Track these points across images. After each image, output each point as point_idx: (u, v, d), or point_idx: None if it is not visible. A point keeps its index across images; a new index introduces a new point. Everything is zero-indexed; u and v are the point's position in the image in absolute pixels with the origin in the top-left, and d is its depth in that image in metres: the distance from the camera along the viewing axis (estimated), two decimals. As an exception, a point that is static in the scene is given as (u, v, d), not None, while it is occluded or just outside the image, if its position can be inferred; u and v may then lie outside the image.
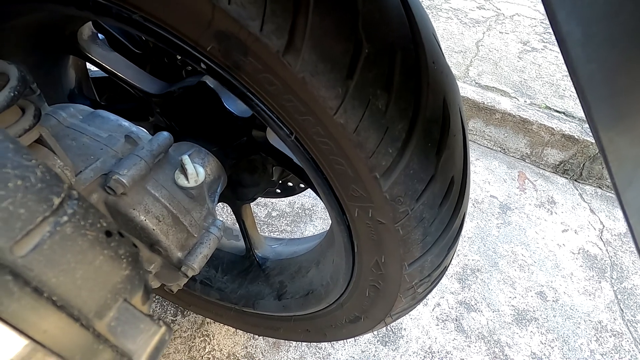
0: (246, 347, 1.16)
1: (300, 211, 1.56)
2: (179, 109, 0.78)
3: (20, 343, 0.27)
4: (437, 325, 1.28)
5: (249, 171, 0.85)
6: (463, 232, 1.38)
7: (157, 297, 1.22)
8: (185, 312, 1.22)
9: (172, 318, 1.21)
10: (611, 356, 1.28)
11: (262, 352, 1.15)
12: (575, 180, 1.91)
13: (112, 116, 0.66)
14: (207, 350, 1.14)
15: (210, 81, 0.72)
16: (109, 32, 0.82)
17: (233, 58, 0.45)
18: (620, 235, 1.67)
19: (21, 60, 0.71)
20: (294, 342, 1.18)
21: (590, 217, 1.73)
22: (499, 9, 2.96)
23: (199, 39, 0.45)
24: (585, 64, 0.24)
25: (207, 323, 1.20)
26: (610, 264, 1.55)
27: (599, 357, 1.27)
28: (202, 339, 1.17)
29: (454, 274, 1.43)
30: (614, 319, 1.37)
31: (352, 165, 0.50)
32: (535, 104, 2.06)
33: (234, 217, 1.09)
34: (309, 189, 0.93)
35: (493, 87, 2.14)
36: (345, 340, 1.20)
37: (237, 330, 1.19)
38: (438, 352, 1.22)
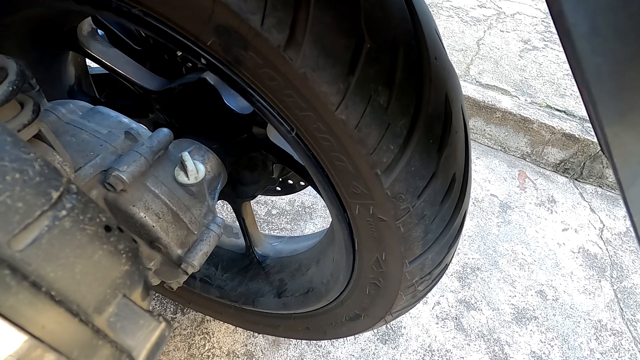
0: (246, 345, 1.16)
1: (300, 209, 1.56)
2: (179, 106, 0.77)
3: (18, 338, 0.27)
4: (437, 323, 1.28)
5: (249, 168, 0.85)
6: (463, 231, 1.38)
7: (156, 294, 1.22)
8: (185, 310, 1.22)
9: (172, 315, 1.20)
10: (611, 355, 1.28)
11: (261, 350, 1.15)
12: (576, 179, 1.90)
13: (112, 112, 0.65)
14: (206, 347, 1.14)
15: (210, 78, 0.72)
16: (109, 28, 0.82)
17: (233, 53, 0.44)
18: (621, 234, 1.66)
19: (20, 56, 0.71)
20: (294, 340, 1.18)
21: (590, 216, 1.73)
22: (500, 8, 2.96)
23: (199, 34, 0.44)
24: (591, 57, 0.23)
25: (207, 321, 1.20)
26: (610, 263, 1.55)
27: (598, 356, 1.27)
28: (201, 336, 1.16)
29: (454, 272, 1.43)
30: (614, 318, 1.37)
31: (353, 162, 0.49)
32: (536, 103, 2.05)
33: (234, 214, 1.09)
34: (309, 187, 0.92)
35: (494, 85, 2.14)
36: (345, 338, 1.20)
37: (237, 328, 1.19)
38: (438, 351, 1.22)
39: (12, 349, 0.27)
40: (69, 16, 0.71)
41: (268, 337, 1.18)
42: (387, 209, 0.53)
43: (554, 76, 2.29)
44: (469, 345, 1.24)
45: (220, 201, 1.19)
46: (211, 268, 1.01)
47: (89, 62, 0.85)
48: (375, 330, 1.23)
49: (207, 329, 1.18)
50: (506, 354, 1.24)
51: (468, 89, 2.02)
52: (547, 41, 2.63)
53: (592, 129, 1.88)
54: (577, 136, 1.84)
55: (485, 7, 2.94)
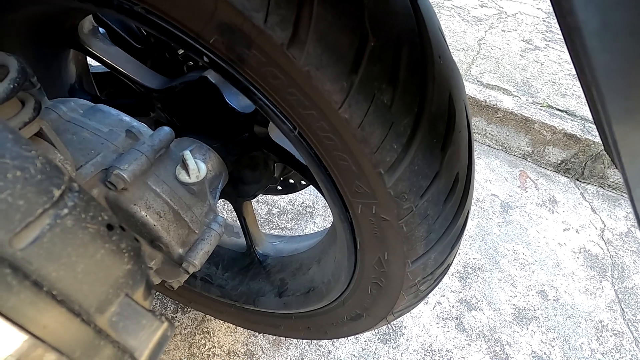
0: (246, 345, 1.16)
1: (301, 209, 1.56)
2: (180, 105, 0.77)
3: (19, 338, 0.27)
4: (438, 323, 1.28)
5: (250, 168, 0.85)
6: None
7: (157, 293, 1.22)
8: (186, 309, 1.22)
9: (173, 315, 1.20)
10: (612, 355, 1.27)
11: (262, 350, 1.15)
12: (577, 180, 1.90)
13: (113, 111, 0.65)
14: (207, 347, 1.14)
15: (211, 76, 0.71)
16: (110, 26, 0.81)
17: (236, 51, 0.44)
18: (622, 234, 1.66)
19: (21, 54, 0.71)
20: (295, 340, 1.18)
21: (591, 217, 1.72)
22: (502, 7, 2.95)
23: (201, 32, 0.44)
24: (601, 55, 0.23)
25: (208, 320, 1.20)
26: (611, 263, 1.55)
27: (599, 357, 1.27)
28: (202, 336, 1.16)
29: (455, 272, 1.43)
30: (615, 319, 1.37)
31: (356, 161, 0.49)
32: (537, 103, 2.05)
33: (234, 213, 1.08)
34: (310, 186, 0.92)
35: (495, 85, 2.14)
36: (346, 338, 1.20)
37: (238, 327, 1.19)
38: (438, 351, 1.21)
39: (12, 348, 0.26)
40: (70, 14, 0.70)
41: (269, 336, 1.18)
42: (390, 209, 0.52)
43: (555, 76, 2.29)
44: (470, 345, 1.24)
45: (221, 200, 1.19)
46: (212, 267, 1.01)
47: (90, 60, 0.85)
48: (376, 330, 1.23)
49: (207, 328, 1.18)
50: (507, 354, 1.23)
51: (469, 89, 2.02)
52: (549, 41, 2.63)
53: (593, 129, 1.88)
54: (578, 136, 1.84)
55: (486, 6, 2.93)
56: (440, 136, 0.50)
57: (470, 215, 1.66)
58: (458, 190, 0.55)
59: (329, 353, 1.16)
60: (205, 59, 0.47)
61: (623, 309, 1.40)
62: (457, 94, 0.51)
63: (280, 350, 1.15)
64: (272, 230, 1.48)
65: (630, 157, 0.28)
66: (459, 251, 1.50)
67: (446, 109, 0.49)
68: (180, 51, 0.78)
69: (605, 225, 1.69)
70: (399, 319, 1.27)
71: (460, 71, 2.27)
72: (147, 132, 0.64)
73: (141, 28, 0.81)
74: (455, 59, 2.34)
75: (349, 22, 0.41)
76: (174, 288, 0.70)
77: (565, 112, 2.02)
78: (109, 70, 0.77)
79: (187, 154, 0.65)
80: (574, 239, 1.61)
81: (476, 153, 1.97)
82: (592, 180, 1.89)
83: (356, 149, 0.48)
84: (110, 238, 0.31)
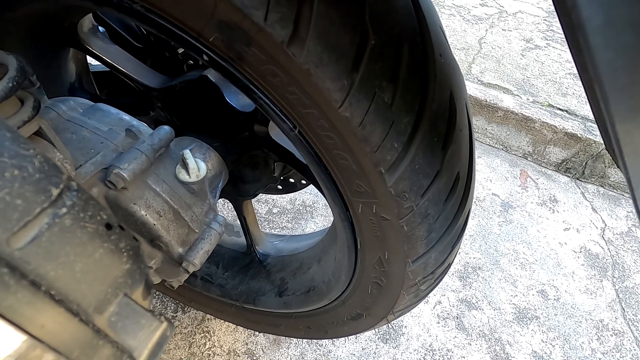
0: (247, 344, 1.15)
1: (301, 208, 1.56)
2: (180, 103, 0.77)
3: (17, 338, 0.26)
4: (438, 323, 1.28)
5: (250, 167, 0.85)
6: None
7: (157, 293, 1.21)
8: (186, 309, 1.21)
9: (173, 314, 1.20)
10: (612, 355, 1.27)
11: (262, 349, 1.15)
12: (578, 179, 1.90)
13: (113, 110, 0.65)
14: (207, 346, 1.14)
15: (211, 75, 0.71)
16: (110, 25, 0.81)
17: (236, 49, 0.44)
18: (622, 234, 1.66)
19: (21, 52, 0.70)
20: (295, 339, 1.18)
21: (592, 216, 1.72)
22: (502, 6, 2.95)
23: (201, 30, 0.44)
24: (604, 52, 0.23)
25: (208, 319, 1.20)
26: (612, 262, 1.54)
27: (600, 356, 1.26)
28: (202, 335, 1.16)
29: (455, 271, 1.43)
30: (616, 318, 1.37)
31: (356, 160, 0.49)
32: (537, 102, 2.05)
33: (234, 213, 1.08)
34: (310, 186, 0.92)
35: (495, 84, 2.13)
36: (346, 338, 1.20)
37: (238, 326, 1.18)
38: (439, 350, 1.21)
39: (11, 348, 0.26)
40: (69, 12, 0.70)
41: (269, 336, 1.18)
42: (391, 208, 0.52)
43: (556, 75, 2.29)
44: (470, 344, 1.24)
45: (221, 199, 1.19)
46: (212, 266, 1.01)
47: (89, 59, 0.85)
48: (376, 330, 1.23)
49: (207, 327, 1.18)
50: (507, 353, 1.23)
51: (470, 88, 2.02)
52: (549, 40, 2.62)
53: (594, 129, 1.88)
54: (579, 135, 1.83)
55: (487, 5, 2.93)
56: (441, 135, 0.49)
57: (471, 215, 1.66)
58: (459, 189, 0.55)
59: (329, 352, 1.16)
60: (205, 57, 0.47)
61: (624, 309, 1.40)
62: (458, 93, 0.51)
63: (280, 350, 1.15)
64: (273, 230, 1.47)
65: (633, 156, 0.28)
66: (460, 250, 1.50)
67: (447, 108, 0.49)
68: (180, 50, 0.78)
69: (605, 225, 1.69)
70: (399, 319, 1.26)
71: (461, 70, 2.27)
72: (147, 131, 0.63)
73: (141, 27, 0.81)
74: (456, 58, 2.33)
75: (349, 19, 0.41)
76: (174, 287, 0.70)
77: (566, 111, 2.01)
78: (108, 69, 0.77)
79: (187, 153, 0.65)
80: (574, 239, 1.61)
81: (477, 152, 1.97)
82: (592, 179, 1.88)
83: (357, 148, 0.47)
84: (109, 237, 0.31)
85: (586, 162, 1.86)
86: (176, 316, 1.20)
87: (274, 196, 1.57)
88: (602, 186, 1.87)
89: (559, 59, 2.45)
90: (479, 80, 2.14)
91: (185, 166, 0.65)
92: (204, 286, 1.00)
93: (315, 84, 0.43)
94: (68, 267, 0.27)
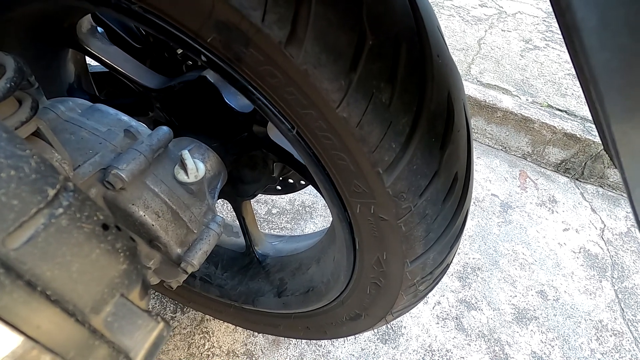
0: (246, 344, 1.15)
1: (300, 208, 1.56)
2: (179, 104, 0.77)
3: (14, 339, 0.26)
4: (437, 323, 1.28)
5: (249, 167, 0.85)
6: (464, 230, 1.37)
7: (156, 293, 1.21)
8: (185, 309, 1.21)
9: (172, 315, 1.20)
10: (611, 355, 1.27)
11: (261, 350, 1.14)
12: (577, 179, 1.90)
13: (111, 110, 0.65)
14: (206, 347, 1.14)
15: (210, 76, 0.71)
16: (108, 25, 0.81)
17: (234, 50, 0.44)
18: (622, 234, 1.66)
19: (19, 53, 0.70)
20: (294, 340, 1.18)
21: (591, 216, 1.72)
22: (501, 7, 2.95)
23: (199, 30, 0.44)
24: (600, 53, 0.23)
25: (207, 320, 1.20)
26: (611, 263, 1.54)
27: (599, 357, 1.26)
28: (201, 335, 1.16)
29: (455, 272, 1.43)
30: (615, 319, 1.37)
31: (354, 160, 0.49)
32: (537, 103, 2.05)
33: (233, 213, 1.08)
34: (309, 186, 0.92)
35: (495, 85, 2.13)
36: (345, 338, 1.20)
37: (237, 327, 1.18)
38: (438, 351, 1.21)
39: (7, 349, 0.26)
40: (68, 13, 0.70)
41: (268, 336, 1.18)
42: (389, 208, 0.52)
43: (555, 76, 2.29)
44: (470, 345, 1.24)
45: (220, 200, 1.19)
46: (211, 267, 1.01)
47: (88, 60, 0.85)
48: (375, 330, 1.23)
49: (206, 328, 1.18)
50: (507, 354, 1.23)
51: (469, 89, 2.02)
52: (549, 41, 2.62)
53: (593, 129, 1.88)
54: (578, 136, 1.83)
55: (486, 6, 2.93)
56: (439, 135, 0.49)
57: (470, 215, 1.66)
58: (457, 189, 0.55)
59: (329, 353, 1.16)
60: (203, 57, 0.47)
61: (623, 309, 1.40)
62: (456, 93, 0.51)
63: (279, 350, 1.15)
64: (272, 230, 1.47)
65: (630, 157, 0.28)
66: (459, 251, 1.50)
67: (445, 108, 0.49)
68: (179, 51, 0.78)
69: (605, 225, 1.69)
70: (398, 319, 1.26)
71: (460, 71, 2.27)
72: (146, 132, 0.63)
73: (140, 27, 0.81)
74: (455, 59, 2.34)
75: (347, 20, 0.41)
76: (172, 288, 0.70)
77: (565, 111, 2.01)
78: (107, 70, 0.77)
79: (186, 154, 0.65)
80: (573, 239, 1.61)
81: (476, 153, 1.97)
82: (592, 180, 1.88)
83: (354, 148, 0.47)
84: (106, 238, 0.31)
85: (585, 163, 1.87)
86: (175, 317, 1.19)
87: (273, 197, 1.57)
88: (601, 187, 1.87)
89: (558, 59, 2.45)
90: (478, 81, 2.14)
91: (183, 167, 0.65)
92: (202, 287, 1.00)
93: (313, 85, 0.43)
94: (64, 268, 0.27)
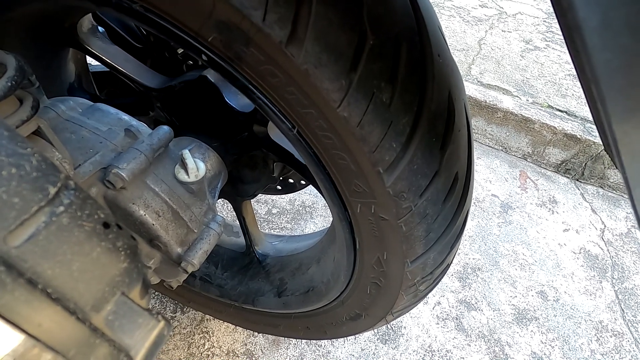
0: (246, 344, 1.15)
1: (300, 208, 1.56)
2: (179, 104, 0.77)
3: (15, 338, 0.26)
4: (437, 323, 1.28)
5: (249, 167, 0.85)
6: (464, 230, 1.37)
7: (156, 293, 1.21)
8: (185, 309, 1.21)
9: (172, 314, 1.20)
10: (612, 356, 1.27)
11: (261, 350, 1.14)
12: (577, 180, 1.90)
13: (112, 110, 0.65)
14: (206, 347, 1.14)
15: (211, 75, 0.71)
16: (109, 25, 0.81)
17: (235, 49, 0.44)
18: (622, 235, 1.66)
19: (20, 52, 0.70)
20: (294, 340, 1.18)
21: (591, 217, 1.72)
22: (502, 7, 2.95)
23: (200, 30, 0.44)
24: (601, 52, 0.23)
25: (207, 320, 1.20)
26: (611, 264, 1.54)
27: (599, 357, 1.26)
28: (201, 335, 1.16)
29: (455, 272, 1.42)
30: (615, 319, 1.37)
31: (355, 160, 0.49)
32: (537, 103, 2.05)
33: (234, 213, 1.08)
34: (309, 186, 0.92)
35: (495, 85, 2.13)
36: (345, 338, 1.19)
37: (237, 327, 1.18)
38: (438, 351, 1.21)
39: (8, 348, 0.26)
40: (69, 12, 0.70)
41: (268, 336, 1.18)
42: (389, 208, 0.52)
43: (555, 76, 2.29)
44: (470, 345, 1.24)
45: (220, 200, 1.19)
46: (211, 267, 1.01)
47: (89, 59, 0.85)
48: (375, 330, 1.23)
49: (206, 327, 1.18)
50: (507, 354, 1.23)
51: (469, 89, 2.02)
52: (549, 41, 2.62)
53: (594, 130, 1.88)
54: (578, 137, 1.83)
55: (486, 6, 2.93)
56: (440, 135, 0.49)
57: (470, 216, 1.66)
58: (457, 189, 0.55)
59: (329, 353, 1.16)
60: (204, 57, 0.47)
61: (623, 310, 1.40)
62: (457, 93, 0.51)
63: (279, 350, 1.15)
64: (272, 230, 1.47)
65: (631, 157, 0.28)
66: (459, 251, 1.50)
67: (445, 108, 0.49)
68: (180, 50, 0.78)
69: (605, 226, 1.69)
70: (398, 319, 1.26)
71: (461, 71, 2.27)
72: (146, 131, 0.63)
73: (140, 27, 0.81)
74: (456, 59, 2.33)
75: (348, 20, 0.41)
76: (173, 287, 0.70)
77: (566, 112, 2.01)
78: (108, 70, 0.77)
79: (186, 153, 0.65)
80: (574, 240, 1.61)
81: (476, 153, 1.97)
82: (592, 180, 1.88)
83: (355, 148, 0.47)
84: (107, 236, 0.31)
85: (586, 163, 1.87)
86: (175, 316, 1.19)
87: (274, 196, 1.57)
88: (601, 187, 1.87)
89: (559, 60, 2.45)
90: (478, 81, 2.14)
91: (184, 166, 0.65)
92: (202, 286, 1.00)
93: (313, 84, 0.43)
94: (65, 266, 0.27)
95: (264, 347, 1.15)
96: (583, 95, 2.21)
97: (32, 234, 0.26)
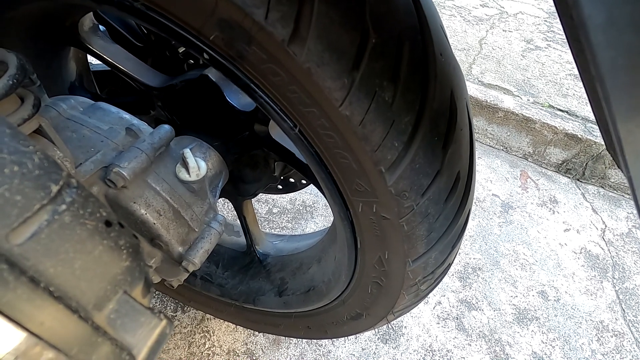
0: (246, 344, 1.15)
1: (301, 208, 1.56)
2: (180, 103, 0.77)
3: (17, 335, 0.26)
4: (438, 323, 1.28)
5: (250, 166, 0.85)
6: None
7: (157, 292, 1.21)
8: (186, 308, 1.21)
9: (172, 314, 1.20)
10: (612, 356, 1.27)
11: (262, 349, 1.14)
12: (578, 180, 1.90)
13: (113, 108, 0.65)
14: (207, 346, 1.14)
15: (212, 74, 0.71)
16: (110, 23, 0.81)
17: (237, 48, 0.44)
18: (623, 235, 1.66)
19: (22, 51, 0.70)
20: (295, 339, 1.18)
21: (592, 217, 1.72)
22: (503, 7, 2.95)
23: (202, 28, 0.44)
24: (606, 50, 0.23)
25: (207, 319, 1.20)
26: (612, 263, 1.54)
27: (600, 357, 1.26)
28: (202, 335, 1.16)
29: (455, 272, 1.42)
30: (616, 319, 1.37)
31: (356, 159, 0.49)
32: (538, 103, 2.04)
33: (235, 212, 1.08)
34: (310, 186, 0.92)
35: (496, 85, 2.13)
36: (345, 338, 1.19)
37: (238, 326, 1.18)
38: (439, 351, 1.21)
39: (10, 346, 0.26)
40: (70, 11, 0.70)
41: (268, 335, 1.18)
42: (391, 207, 0.52)
43: (556, 76, 2.29)
44: (470, 345, 1.24)
45: (221, 199, 1.19)
46: (212, 266, 1.01)
47: (90, 58, 0.85)
48: (376, 330, 1.23)
49: (207, 327, 1.18)
50: (507, 354, 1.23)
51: (470, 89, 2.02)
52: (550, 41, 2.62)
53: (595, 130, 1.88)
54: (579, 136, 1.83)
55: (487, 6, 2.93)
56: (442, 134, 0.49)
57: (471, 215, 1.65)
58: (459, 189, 0.55)
59: (329, 352, 1.16)
60: (206, 56, 0.47)
61: (624, 310, 1.40)
62: (459, 92, 0.50)
63: (280, 350, 1.15)
64: (273, 230, 1.47)
65: (635, 156, 0.28)
66: (460, 251, 1.50)
67: (448, 107, 0.49)
68: (181, 49, 0.78)
69: (606, 226, 1.69)
70: (399, 319, 1.26)
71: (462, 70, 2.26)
72: (147, 130, 0.63)
73: (141, 25, 0.81)
74: (457, 59, 2.33)
75: (350, 18, 0.41)
76: (173, 287, 0.70)
77: (567, 112, 2.01)
78: (109, 68, 0.77)
79: (187, 152, 0.65)
80: (574, 239, 1.61)
81: (477, 153, 1.97)
82: (593, 180, 1.88)
83: (357, 147, 0.47)
84: (109, 234, 0.31)
85: (586, 163, 1.86)
86: (176, 316, 1.19)
87: (274, 196, 1.57)
88: (602, 187, 1.87)
89: (560, 60, 2.45)
90: (479, 81, 2.14)
91: (185, 165, 0.65)
92: (203, 286, 0.99)
93: (315, 83, 0.43)
94: (67, 264, 0.27)
95: (265, 347, 1.15)
96: (584, 95, 2.21)
97: (35, 232, 0.26)
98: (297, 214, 1.53)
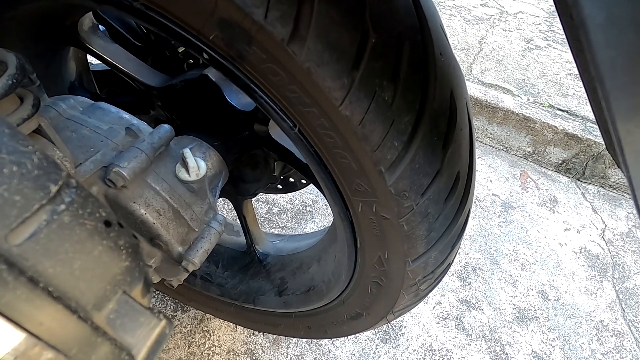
0: (246, 343, 1.15)
1: (301, 208, 1.56)
2: (180, 102, 0.77)
3: (16, 336, 0.26)
4: (438, 323, 1.28)
5: (250, 166, 0.85)
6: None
7: (157, 292, 1.21)
8: (185, 308, 1.21)
9: (172, 313, 1.20)
10: (612, 356, 1.27)
11: (262, 349, 1.14)
12: (578, 180, 1.90)
13: (113, 108, 0.65)
14: (207, 346, 1.14)
15: (212, 74, 0.71)
16: (110, 23, 0.81)
17: (236, 47, 0.44)
18: (623, 235, 1.66)
19: (21, 51, 0.70)
20: (295, 339, 1.18)
21: (592, 217, 1.72)
22: (503, 7, 2.94)
23: (201, 28, 0.44)
24: (605, 50, 0.23)
25: (207, 319, 1.20)
26: (612, 263, 1.54)
27: (600, 357, 1.26)
28: (202, 334, 1.16)
29: (455, 272, 1.42)
30: (616, 319, 1.37)
31: (356, 159, 0.49)
32: (538, 102, 2.04)
33: (234, 212, 1.08)
34: (310, 185, 0.92)
35: (496, 85, 2.13)
36: (345, 337, 1.19)
37: (237, 326, 1.18)
38: (439, 350, 1.21)
39: (9, 346, 0.26)
40: (70, 11, 0.70)
41: (268, 335, 1.18)
42: (391, 207, 0.52)
43: (556, 76, 2.28)
44: (470, 345, 1.24)
45: (221, 199, 1.19)
46: (212, 266, 1.01)
47: (90, 58, 0.85)
48: (376, 330, 1.23)
49: (207, 327, 1.18)
50: (507, 354, 1.23)
51: (470, 88, 2.02)
52: (550, 40, 2.62)
53: (595, 129, 1.88)
54: (579, 136, 1.83)
55: (487, 6, 2.93)
56: (442, 134, 0.49)
57: (471, 215, 1.65)
58: (459, 188, 0.55)
59: (329, 352, 1.16)
60: (205, 55, 0.47)
61: (624, 309, 1.40)
62: (459, 92, 0.50)
63: (280, 349, 1.15)
64: (273, 229, 1.47)
65: (635, 156, 0.28)
66: (460, 251, 1.50)
67: (447, 107, 0.49)
68: (181, 49, 0.78)
69: (606, 226, 1.69)
70: (399, 319, 1.26)
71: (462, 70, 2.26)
72: (147, 130, 0.63)
73: (141, 25, 0.81)
74: (457, 59, 2.33)
75: (350, 18, 0.41)
76: (173, 286, 0.70)
77: (567, 111, 2.01)
78: (109, 68, 0.77)
79: (187, 152, 0.65)
80: (574, 239, 1.61)
81: (477, 152, 1.97)
82: (593, 180, 1.88)
83: (357, 147, 0.47)
84: (108, 234, 0.31)
85: (586, 163, 1.86)
86: (176, 315, 1.19)
87: (274, 196, 1.57)
88: (602, 187, 1.87)
89: (560, 59, 2.44)
90: (479, 81, 2.14)
91: (185, 165, 0.65)
92: (203, 285, 0.99)
93: (315, 83, 0.43)
94: (66, 264, 0.27)
95: (265, 346, 1.15)
96: (584, 95, 2.21)
97: (34, 232, 0.26)
98: (297, 214, 1.53)
